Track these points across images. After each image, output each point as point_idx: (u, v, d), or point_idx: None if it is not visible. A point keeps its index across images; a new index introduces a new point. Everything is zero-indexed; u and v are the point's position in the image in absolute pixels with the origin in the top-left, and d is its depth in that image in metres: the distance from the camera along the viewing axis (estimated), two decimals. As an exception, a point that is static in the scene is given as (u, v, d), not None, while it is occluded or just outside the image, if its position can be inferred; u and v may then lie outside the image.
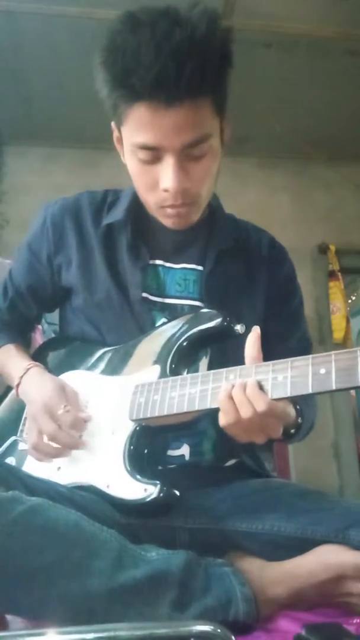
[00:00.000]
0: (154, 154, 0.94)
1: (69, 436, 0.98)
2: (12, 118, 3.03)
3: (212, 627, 0.63)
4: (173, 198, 0.97)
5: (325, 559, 0.84)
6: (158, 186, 0.97)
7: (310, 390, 0.79)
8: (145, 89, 0.88)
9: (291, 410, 0.96)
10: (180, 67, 0.87)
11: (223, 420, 0.85)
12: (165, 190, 0.97)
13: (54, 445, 0.98)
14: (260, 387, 0.83)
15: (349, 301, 3.88)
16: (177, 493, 0.88)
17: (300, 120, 3.09)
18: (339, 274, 3.27)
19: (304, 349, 1.21)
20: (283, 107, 3.00)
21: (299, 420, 0.98)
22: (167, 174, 0.95)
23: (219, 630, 0.62)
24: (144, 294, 1.09)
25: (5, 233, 3.00)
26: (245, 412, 0.82)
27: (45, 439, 0.99)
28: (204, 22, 0.89)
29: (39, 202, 1.22)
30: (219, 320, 0.98)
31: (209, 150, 0.96)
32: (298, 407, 0.98)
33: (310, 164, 3.47)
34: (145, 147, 0.94)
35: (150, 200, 1.02)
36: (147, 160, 0.96)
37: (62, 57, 2.53)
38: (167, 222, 1.04)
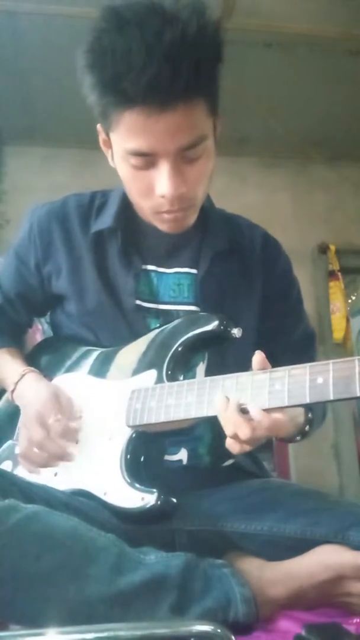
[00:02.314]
0: (147, 160, 0.91)
1: (57, 446, 0.96)
2: (12, 118, 3.03)
3: (212, 627, 0.63)
4: (170, 204, 0.95)
5: (324, 559, 0.84)
6: (153, 192, 0.94)
7: (307, 401, 0.78)
8: (138, 94, 0.84)
9: (300, 410, 0.95)
10: (175, 69, 0.82)
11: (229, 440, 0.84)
12: (162, 197, 0.94)
13: (43, 454, 0.97)
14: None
15: (349, 301, 3.88)
16: (175, 501, 0.88)
17: (300, 120, 3.09)
18: (339, 274, 3.27)
19: (308, 341, 1.21)
20: (283, 107, 3.00)
21: (309, 415, 0.97)
22: (162, 179, 0.91)
23: (219, 630, 0.62)
24: (137, 302, 1.07)
25: (5, 233, 3.01)
26: (244, 434, 0.80)
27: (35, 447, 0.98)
28: (194, 17, 0.84)
29: (39, 202, 1.21)
30: (215, 323, 0.96)
31: (204, 152, 0.93)
32: None
33: (310, 164, 3.47)
34: (138, 154, 0.90)
35: (145, 206, 0.99)
36: (140, 166, 0.92)
37: (62, 57, 2.51)
38: (163, 227, 1.01)
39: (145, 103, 0.85)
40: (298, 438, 1.00)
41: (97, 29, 0.87)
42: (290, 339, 1.16)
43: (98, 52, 0.86)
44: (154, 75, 0.82)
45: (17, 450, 1.08)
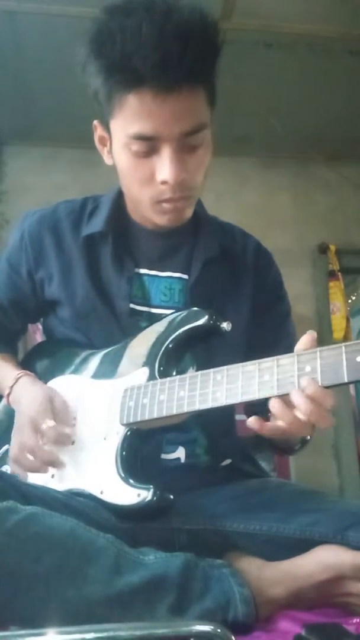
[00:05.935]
0: (150, 145, 0.92)
1: (48, 453, 0.97)
2: (12, 118, 3.02)
3: (212, 627, 0.63)
4: (172, 190, 0.95)
5: (324, 559, 0.84)
6: (154, 180, 0.95)
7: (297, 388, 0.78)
8: (147, 72, 0.85)
9: None
10: (183, 50, 0.85)
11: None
12: (164, 183, 0.94)
13: (35, 460, 0.97)
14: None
15: (349, 301, 3.88)
16: (171, 497, 0.88)
17: (300, 120, 3.09)
18: (339, 274, 3.27)
19: None
20: (283, 107, 2.99)
21: None
22: (164, 165, 0.92)
23: (219, 630, 0.62)
24: (131, 305, 1.08)
25: (5, 233, 3.01)
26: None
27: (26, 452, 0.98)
28: (197, 10, 0.89)
29: (39, 202, 1.21)
30: (205, 318, 0.97)
31: (203, 141, 0.95)
32: None
33: (310, 164, 3.46)
34: (141, 137, 0.91)
35: (145, 195, 0.98)
36: (142, 153, 0.93)
37: (62, 57, 2.53)
38: (162, 220, 1.01)
39: (153, 83, 0.86)
40: (297, 447, 1.02)
41: (102, 19, 0.89)
42: (274, 352, 1.15)
43: (106, 35, 0.88)
44: (165, 54, 0.84)
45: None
